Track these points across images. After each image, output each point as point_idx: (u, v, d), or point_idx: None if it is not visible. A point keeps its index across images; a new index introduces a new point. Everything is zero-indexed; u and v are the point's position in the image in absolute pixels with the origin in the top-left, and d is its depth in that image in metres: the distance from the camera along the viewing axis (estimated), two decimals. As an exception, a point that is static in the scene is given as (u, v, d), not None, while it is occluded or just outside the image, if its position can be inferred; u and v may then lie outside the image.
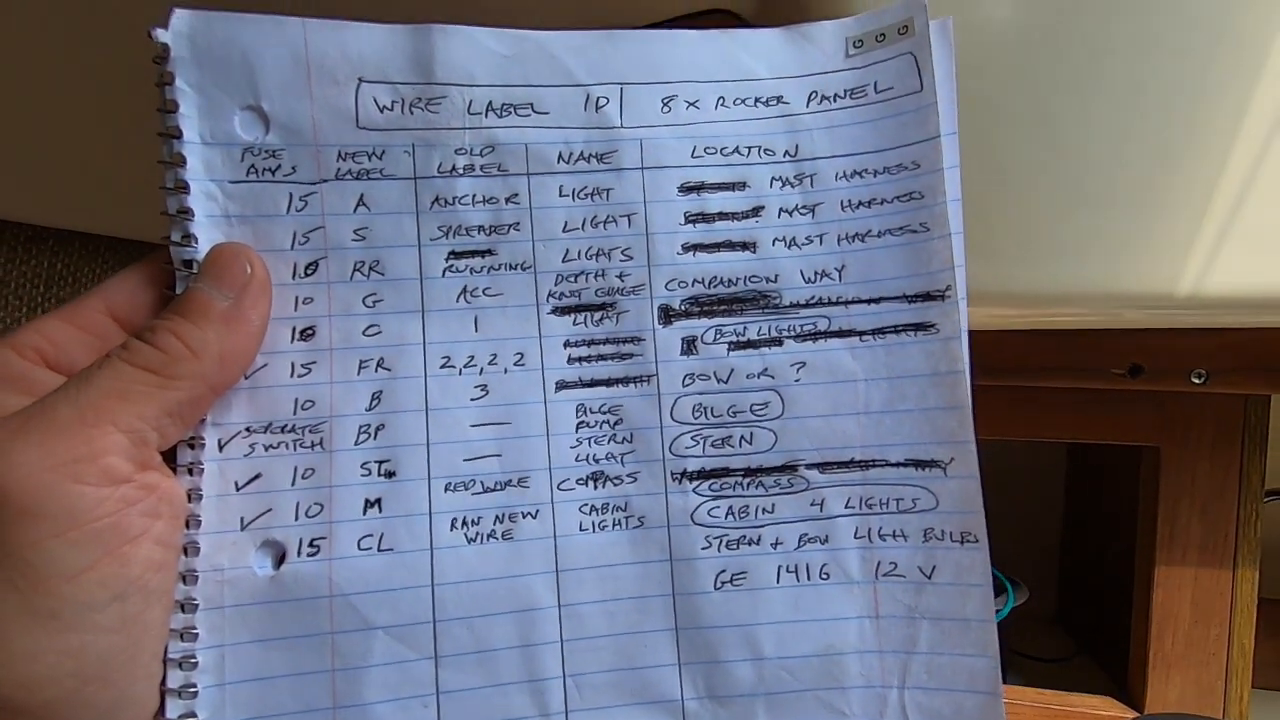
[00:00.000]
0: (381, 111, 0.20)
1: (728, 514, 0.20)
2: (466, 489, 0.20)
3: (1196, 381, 0.37)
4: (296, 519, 0.19)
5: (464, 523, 0.20)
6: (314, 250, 0.20)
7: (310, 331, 0.20)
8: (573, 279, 0.21)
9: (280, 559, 0.19)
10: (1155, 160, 0.27)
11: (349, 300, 0.20)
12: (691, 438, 0.21)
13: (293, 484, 0.19)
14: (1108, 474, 0.50)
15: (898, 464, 0.20)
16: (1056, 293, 0.28)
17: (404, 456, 0.19)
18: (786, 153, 0.21)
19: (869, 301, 0.21)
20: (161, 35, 0.19)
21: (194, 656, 0.18)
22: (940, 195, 0.20)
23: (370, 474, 0.19)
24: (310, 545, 0.19)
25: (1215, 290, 0.28)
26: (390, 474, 0.19)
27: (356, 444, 0.19)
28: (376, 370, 0.20)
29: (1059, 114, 0.27)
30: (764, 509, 0.20)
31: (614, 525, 0.20)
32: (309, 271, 0.20)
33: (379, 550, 0.19)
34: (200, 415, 0.18)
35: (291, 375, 0.19)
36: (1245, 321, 0.34)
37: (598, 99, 0.21)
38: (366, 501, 0.19)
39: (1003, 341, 0.39)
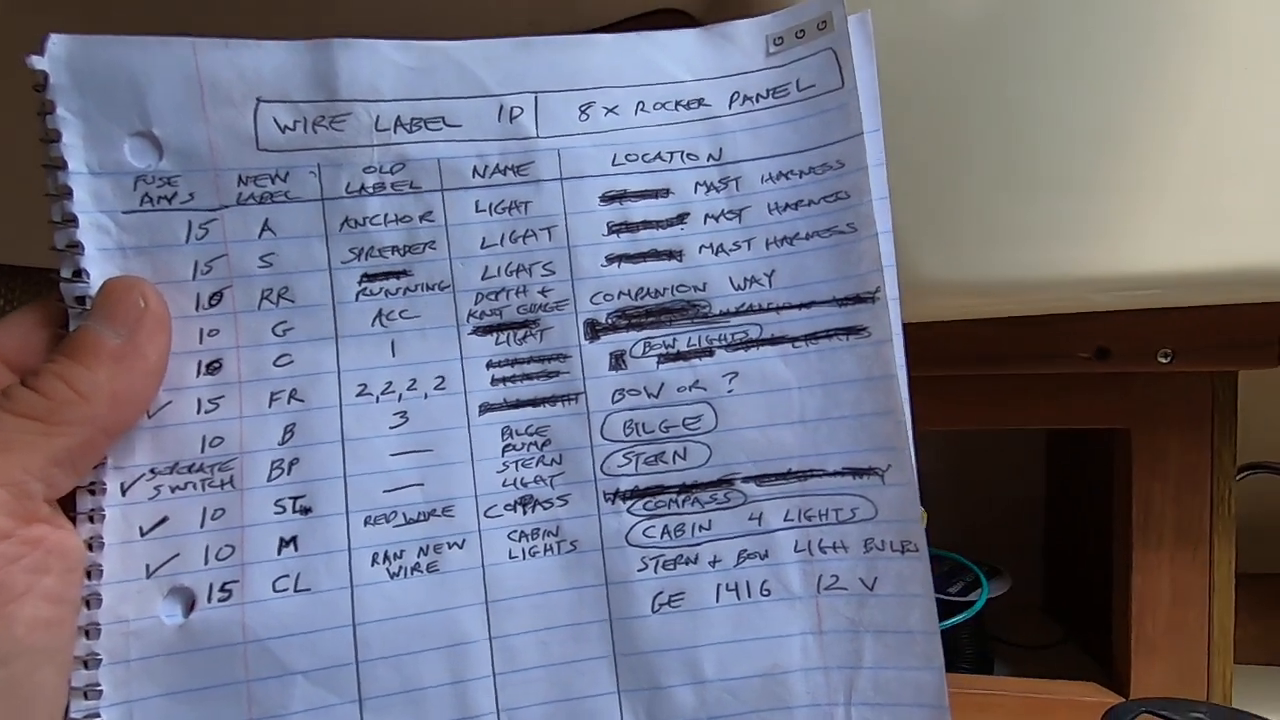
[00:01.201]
0: (283, 131, 0.19)
1: (663, 533, 0.19)
2: (388, 521, 0.19)
3: (1163, 361, 0.37)
4: (206, 563, 0.18)
5: (386, 557, 0.19)
6: (218, 280, 0.19)
7: (217, 365, 0.19)
8: (493, 297, 0.20)
9: (190, 606, 0.18)
10: (1111, 144, 0.27)
11: (257, 330, 0.19)
12: (623, 456, 0.20)
13: (202, 526, 0.18)
14: (1086, 459, 0.50)
15: (835, 473, 0.19)
16: (1020, 280, 0.27)
17: (320, 491, 0.18)
18: (710, 156, 0.20)
19: (800, 306, 0.20)
20: (38, 63, 0.18)
21: (98, 715, 0.17)
22: (866, 194, 0.19)
23: (285, 511, 0.18)
24: (222, 590, 0.18)
25: (1176, 269, 0.27)
26: (306, 510, 0.18)
27: (269, 480, 0.18)
28: (289, 402, 0.19)
29: (1015, 100, 0.26)
30: (701, 526, 0.20)
31: (545, 551, 0.19)
32: (213, 302, 0.19)
33: (295, 591, 0.18)
34: (94, 460, 0.17)
35: (198, 411, 0.18)
36: (1208, 299, 0.33)
37: (511, 109, 0.20)
38: (281, 540, 0.18)
39: (969, 331, 0.38)
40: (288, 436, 0.19)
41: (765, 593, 0.19)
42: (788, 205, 0.20)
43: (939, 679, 0.18)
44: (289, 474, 0.18)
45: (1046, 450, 0.58)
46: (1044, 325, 0.37)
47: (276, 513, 0.18)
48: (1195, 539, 0.40)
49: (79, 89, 0.18)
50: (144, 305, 0.17)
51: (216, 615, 0.18)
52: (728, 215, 0.20)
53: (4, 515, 0.15)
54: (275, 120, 0.19)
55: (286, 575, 0.18)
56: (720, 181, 0.20)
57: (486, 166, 0.20)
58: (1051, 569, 0.58)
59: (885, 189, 0.20)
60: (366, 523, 0.19)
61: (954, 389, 0.41)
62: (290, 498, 0.18)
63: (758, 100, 0.21)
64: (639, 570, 0.19)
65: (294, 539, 0.18)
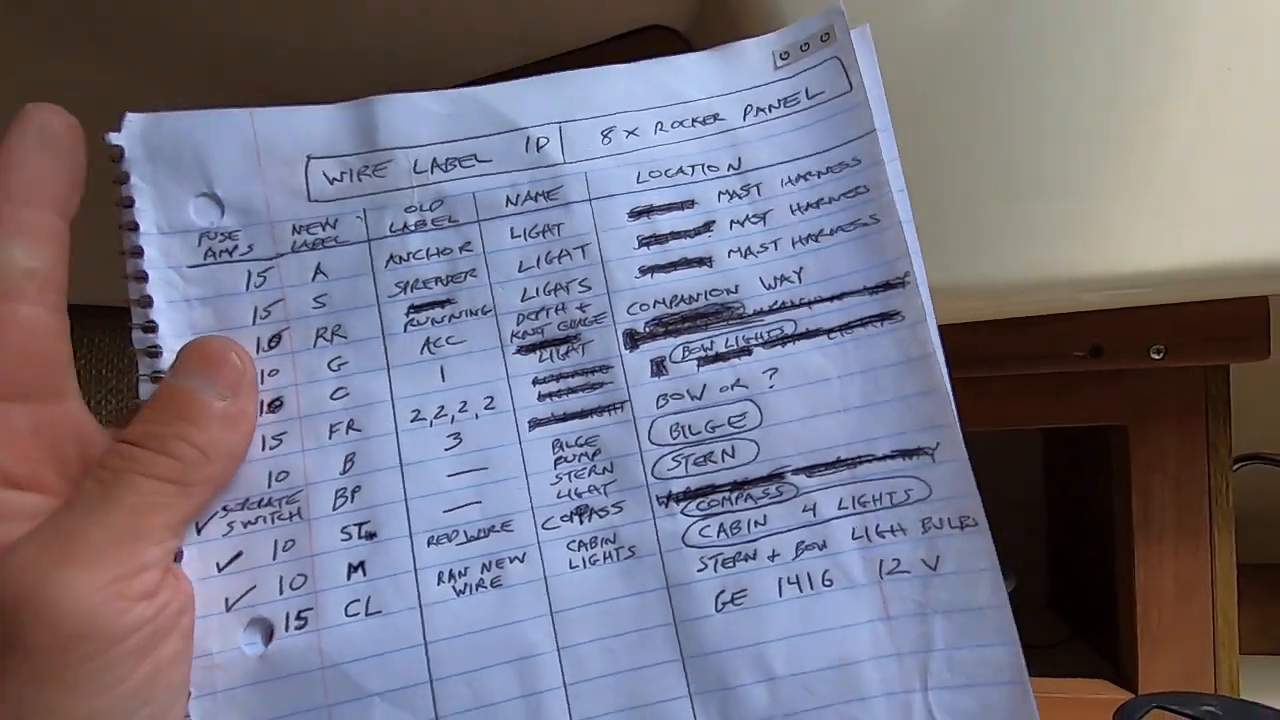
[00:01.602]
0: (331, 183, 0.20)
1: (720, 532, 0.20)
2: (450, 540, 0.19)
3: (1156, 357, 0.37)
4: (281, 592, 0.18)
5: (451, 575, 0.19)
6: (276, 323, 0.20)
7: (278, 403, 0.19)
8: (534, 316, 0.21)
9: (269, 636, 0.18)
10: (1096, 147, 0.27)
11: (314, 367, 0.20)
12: (673, 459, 0.20)
13: (274, 558, 0.18)
14: (1083, 457, 0.50)
15: (885, 457, 0.20)
16: (1012, 282, 0.28)
17: (383, 516, 0.19)
18: (730, 166, 0.21)
19: (832, 299, 0.20)
20: (115, 138, 0.19)
21: (187, 748, 0.17)
22: (885, 187, 0.20)
23: (351, 538, 0.19)
24: (298, 618, 0.18)
25: (1163, 267, 0.28)
26: (371, 535, 0.19)
27: (335, 509, 0.19)
28: (347, 432, 0.19)
29: (1001, 106, 0.27)
30: (756, 522, 0.20)
31: (605, 559, 0.19)
32: (273, 344, 0.20)
33: (367, 614, 0.18)
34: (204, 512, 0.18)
35: (263, 449, 0.19)
36: (1196, 295, 0.34)
37: (538, 139, 0.21)
38: (350, 566, 0.19)
39: (965, 334, 0.39)
40: (349, 466, 0.19)
41: (827, 583, 0.19)
42: (809, 205, 0.21)
43: (1015, 652, 0.18)
44: (352, 501, 0.19)
45: (1044, 449, 0.58)
46: (1037, 326, 0.38)
47: (343, 539, 0.19)
48: (1195, 532, 0.40)
49: (150, 160, 0.19)
50: (241, 366, 0.18)
51: (294, 643, 0.18)
52: (752, 219, 0.21)
53: (158, 570, 0.16)
54: (324, 174, 0.20)
55: (357, 599, 0.18)
56: (742, 189, 0.21)
57: (519, 195, 0.21)
58: (1055, 567, 0.58)
59: (902, 181, 0.20)
60: (430, 543, 0.19)
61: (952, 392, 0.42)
62: (355, 524, 0.19)
63: (770, 110, 0.21)
64: (699, 570, 0.19)
65: (362, 564, 0.19)
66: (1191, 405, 0.40)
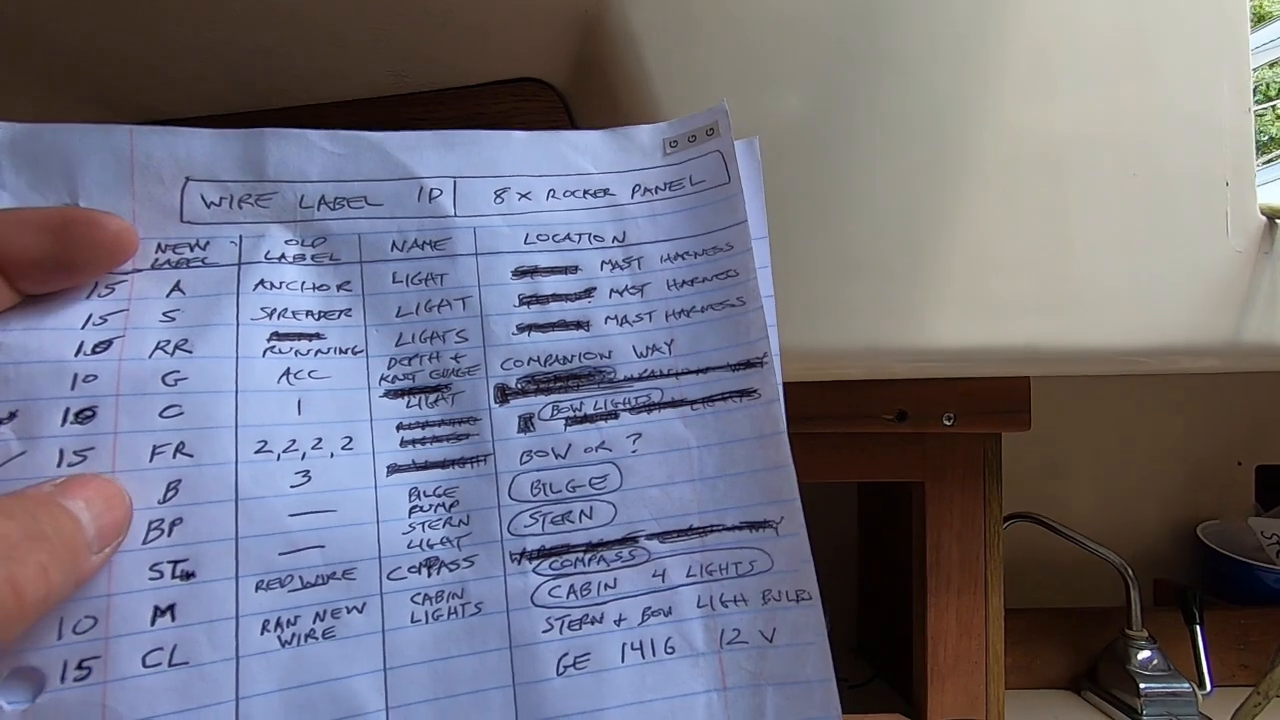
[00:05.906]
0: (208, 207, 0.18)
1: (569, 592, 0.18)
2: (283, 586, 0.17)
3: (947, 424, 0.42)
4: (60, 637, 0.15)
5: (278, 624, 0.17)
6: (109, 330, 0.17)
7: (89, 413, 0.16)
8: (406, 362, 0.19)
9: (39, 689, 0.15)
10: (911, 238, 0.30)
11: (143, 379, 0.17)
12: (531, 515, 0.19)
13: None
14: (891, 509, 0.54)
15: (734, 527, 0.19)
16: (835, 349, 0.30)
17: (206, 554, 0.16)
18: (615, 238, 0.21)
19: (697, 372, 0.20)
20: None
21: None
22: (751, 273, 0.21)
23: (162, 577, 0.16)
24: (79, 668, 0.15)
25: (956, 344, 0.31)
26: (188, 575, 0.16)
27: (145, 542, 0.16)
28: (175, 456, 0.17)
29: (830, 198, 0.30)
30: (606, 584, 0.19)
31: (449, 614, 0.18)
32: (97, 350, 0.17)
33: (170, 665, 0.16)
34: None
35: (59, 464, 0.16)
36: (979, 372, 0.39)
37: (431, 190, 0.20)
38: (156, 609, 0.16)
39: (790, 393, 0.43)
40: (170, 494, 0.17)
41: (670, 650, 0.18)
42: (684, 282, 0.21)
43: (838, 727, 0.18)
44: (169, 535, 0.16)
45: (858, 501, 0.62)
46: (855, 390, 0.41)
47: (152, 578, 0.16)
48: (974, 579, 0.44)
49: (16, 169, 0.17)
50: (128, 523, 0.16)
51: (71, 696, 0.15)
52: (631, 290, 0.21)
53: None
54: (202, 196, 0.18)
55: (160, 648, 0.16)
56: (624, 260, 0.21)
57: (405, 241, 0.20)
58: (863, 613, 0.61)
59: (771, 288, 0.21)
60: (258, 588, 0.17)
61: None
62: (170, 561, 0.16)
63: (656, 192, 0.22)
64: (544, 631, 0.18)
65: (171, 607, 0.16)
66: (972, 468, 0.44)
